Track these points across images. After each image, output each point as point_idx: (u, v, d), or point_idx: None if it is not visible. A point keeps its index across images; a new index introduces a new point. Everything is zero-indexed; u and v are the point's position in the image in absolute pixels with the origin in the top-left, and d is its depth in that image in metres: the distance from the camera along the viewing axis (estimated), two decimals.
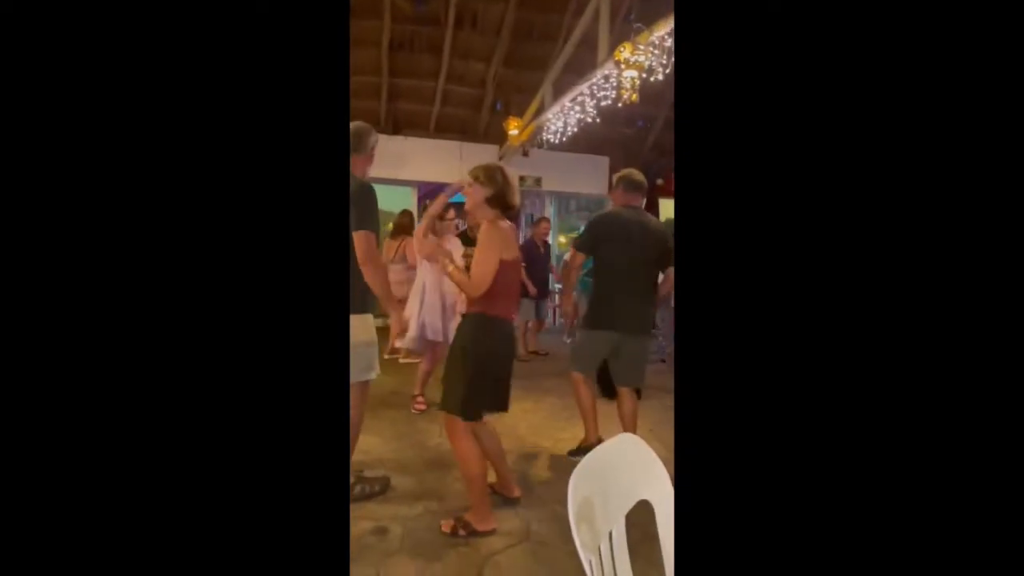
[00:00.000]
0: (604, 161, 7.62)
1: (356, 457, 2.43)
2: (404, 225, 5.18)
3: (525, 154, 6.95)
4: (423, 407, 3.43)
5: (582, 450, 2.67)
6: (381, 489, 2.40)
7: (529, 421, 3.31)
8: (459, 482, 2.24)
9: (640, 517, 0.95)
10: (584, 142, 6.38)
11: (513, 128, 5.98)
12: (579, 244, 2.67)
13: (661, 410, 3.47)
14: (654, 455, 0.97)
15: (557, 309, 6.97)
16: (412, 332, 3.27)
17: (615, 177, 2.76)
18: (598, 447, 0.98)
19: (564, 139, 5.49)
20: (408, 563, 1.81)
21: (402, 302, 4.72)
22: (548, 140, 5.72)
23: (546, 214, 7.48)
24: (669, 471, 0.90)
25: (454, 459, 2.18)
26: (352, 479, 2.36)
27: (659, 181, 7.07)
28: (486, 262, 1.93)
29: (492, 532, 1.98)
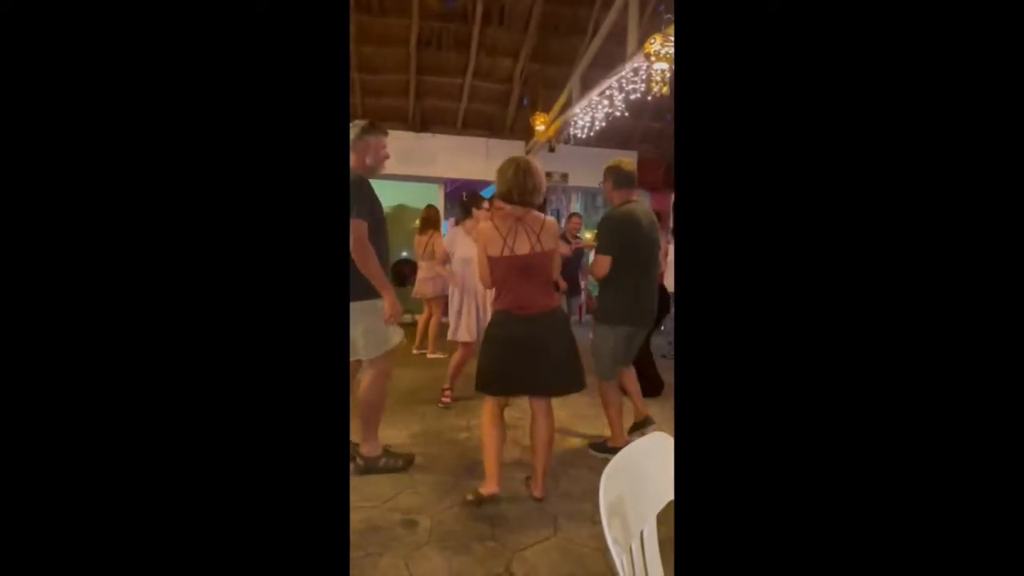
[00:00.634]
0: (632, 156, 7.56)
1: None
2: (432, 219, 5.18)
3: (552, 150, 6.92)
4: (449, 400, 3.46)
5: (607, 448, 2.66)
6: (405, 464, 2.47)
7: (556, 415, 3.30)
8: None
9: (671, 517, 0.94)
10: (612, 137, 6.32)
11: (540, 124, 5.95)
12: (604, 248, 2.62)
13: None
14: None
15: (582, 306, 6.94)
16: (454, 325, 3.41)
17: (604, 168, 2.71)
18: (628, 446, 0.98)
19: (591, 134, 5.44)
20: (436, 556, 1.83)
21: (436, 300, 4.77)
22: (575, 135, 5.68)
23: (573, 210, 7.45)
24: None
25: (482, 451, 2.23)
26: (379, 452, 2.42)
27: None
28: (479, 260, 2.16)
29: (495, 498, 2.13)
